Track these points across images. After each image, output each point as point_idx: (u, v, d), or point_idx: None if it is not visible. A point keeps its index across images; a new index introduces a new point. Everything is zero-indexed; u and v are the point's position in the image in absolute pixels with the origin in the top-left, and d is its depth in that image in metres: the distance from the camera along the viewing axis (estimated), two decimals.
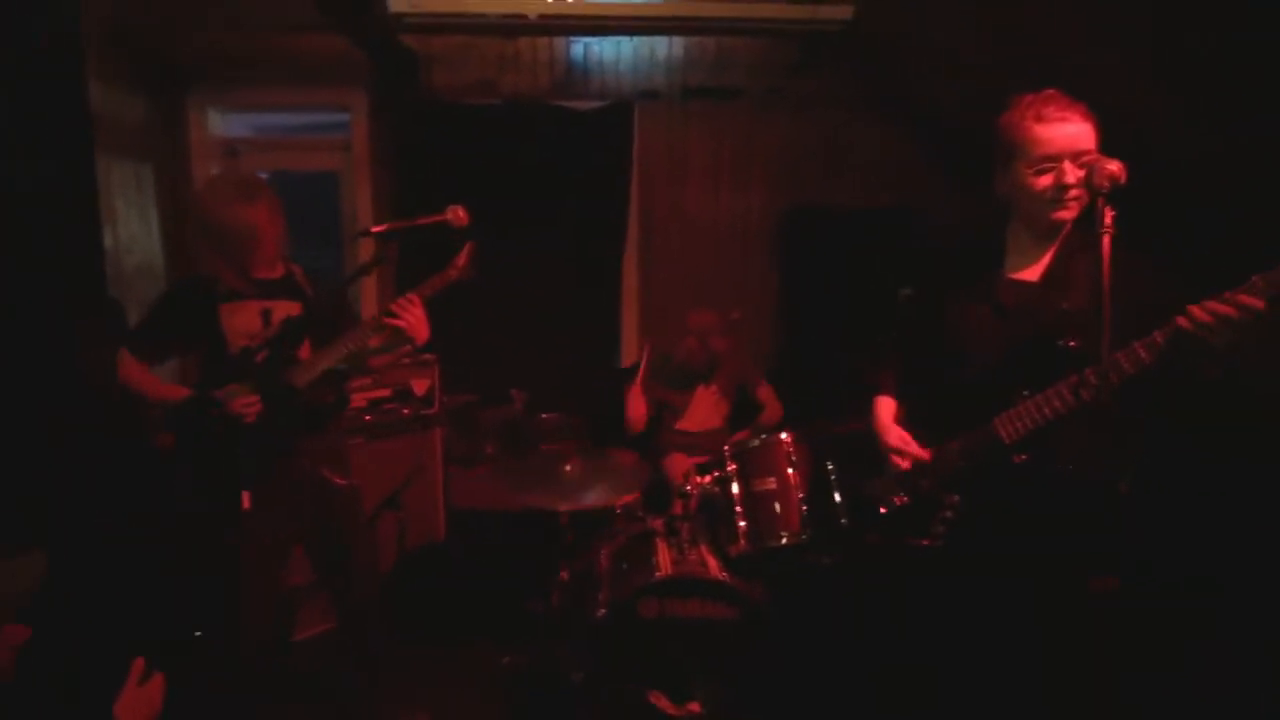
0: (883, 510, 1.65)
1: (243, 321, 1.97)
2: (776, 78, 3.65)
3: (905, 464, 1.61)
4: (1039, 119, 1.42)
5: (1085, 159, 1.37)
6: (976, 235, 1.60)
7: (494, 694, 2.42)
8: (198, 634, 2.35)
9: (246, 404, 1.90)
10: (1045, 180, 1.42)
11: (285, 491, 2.03)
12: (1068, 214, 1.44)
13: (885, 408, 1.71)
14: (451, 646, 2.67)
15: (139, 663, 1.45)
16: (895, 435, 1.65)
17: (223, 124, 3.79)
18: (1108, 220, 1.22)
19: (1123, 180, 1.24)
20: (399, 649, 2.34)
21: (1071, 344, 1.39)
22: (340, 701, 2.28)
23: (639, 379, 3.00)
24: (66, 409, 2.06)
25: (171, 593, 2.36)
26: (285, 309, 2.00)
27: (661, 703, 2.02)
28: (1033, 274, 1.50)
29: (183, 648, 2.29)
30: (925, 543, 1.53)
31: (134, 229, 3.29)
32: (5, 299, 1.92)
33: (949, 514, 1.51)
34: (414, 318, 1.90)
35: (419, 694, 2.34)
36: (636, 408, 2.99)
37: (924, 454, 1.60)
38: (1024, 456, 1.43)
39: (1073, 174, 1.39)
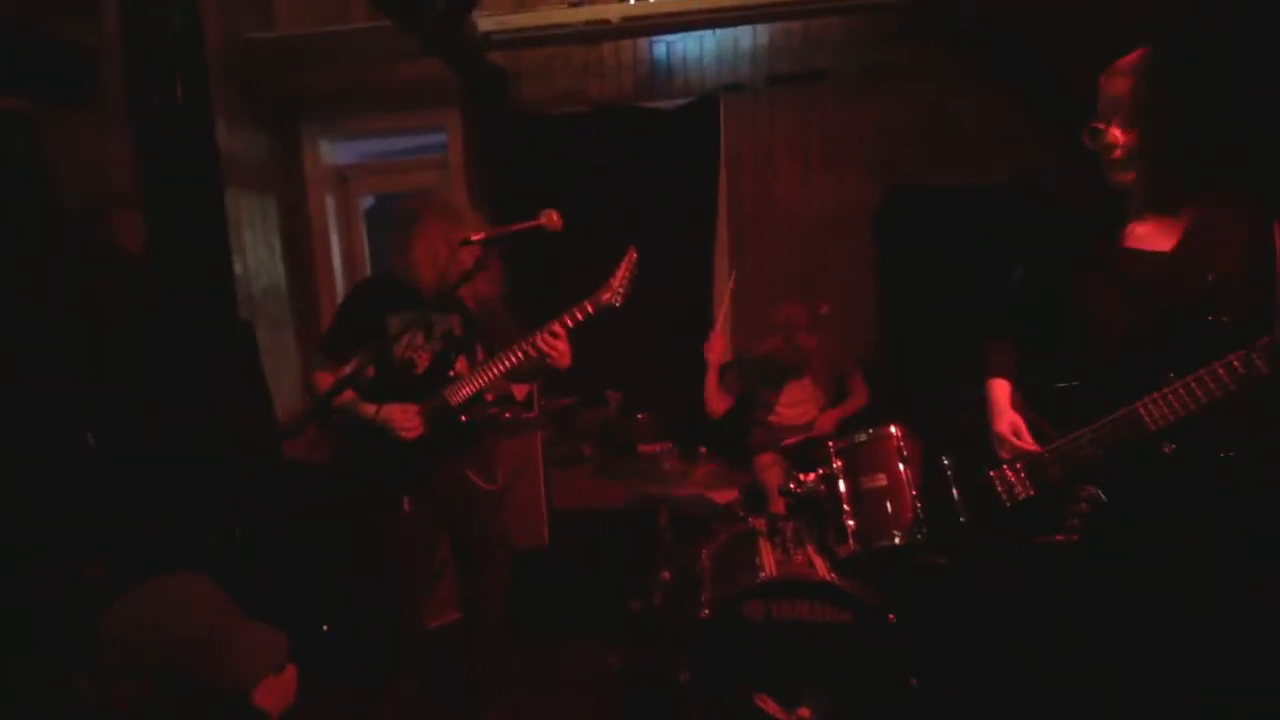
0: (1006, 504, 1.54)
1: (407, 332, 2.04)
2: (868, 55, 3.50)
3: (1006, 454, 1.53)
4: (1104, 76, 1.37)
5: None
6: (1099, 204, 1.49)
7: (599, 693, 2.43)
8: (325, 629, 2.52)
9: (406, 426, 1.98)
10: (1094, 143, 1.37)
11: (436, 495, 2.11)
12: (1123, 176, 1.37)
13: (1000, 390, 1.62)
14: (556, 646, 2.71)
15: None
16: (1008, 421, 1.55)
17: (333, 153, 4.07)
18: None
19: None
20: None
21: (1224, 319, 1.25)
22: (444, 698, 2.36)
23: (712, 369, 2.94)
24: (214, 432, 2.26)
25: (307, 585, 2.53)
26: (447, 323, 2.07)
27: (770, 706, 1.95)
28: (1164, 243, 1.38)
29: (315, 637, 2.45)
30: (1059, 539, 1.42)
31: (260, 256, 3.58)
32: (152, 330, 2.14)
33: (1084, 507, 1.39)
34: (559, 351, 1.94)
35: (523, 692, 2.38)
36: (715, 399, 2.93)
37: (1035, 448, 1.49)
38: (1173, 446, 1.29)
39: (1114, 135, 1.34)
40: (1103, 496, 1.38)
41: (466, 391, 2.01)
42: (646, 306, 3.66)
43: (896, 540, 1.96)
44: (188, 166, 1.71)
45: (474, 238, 1.83)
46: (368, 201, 4.25)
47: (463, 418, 2.02)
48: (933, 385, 3.06)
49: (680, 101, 3.68)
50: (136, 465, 2.34)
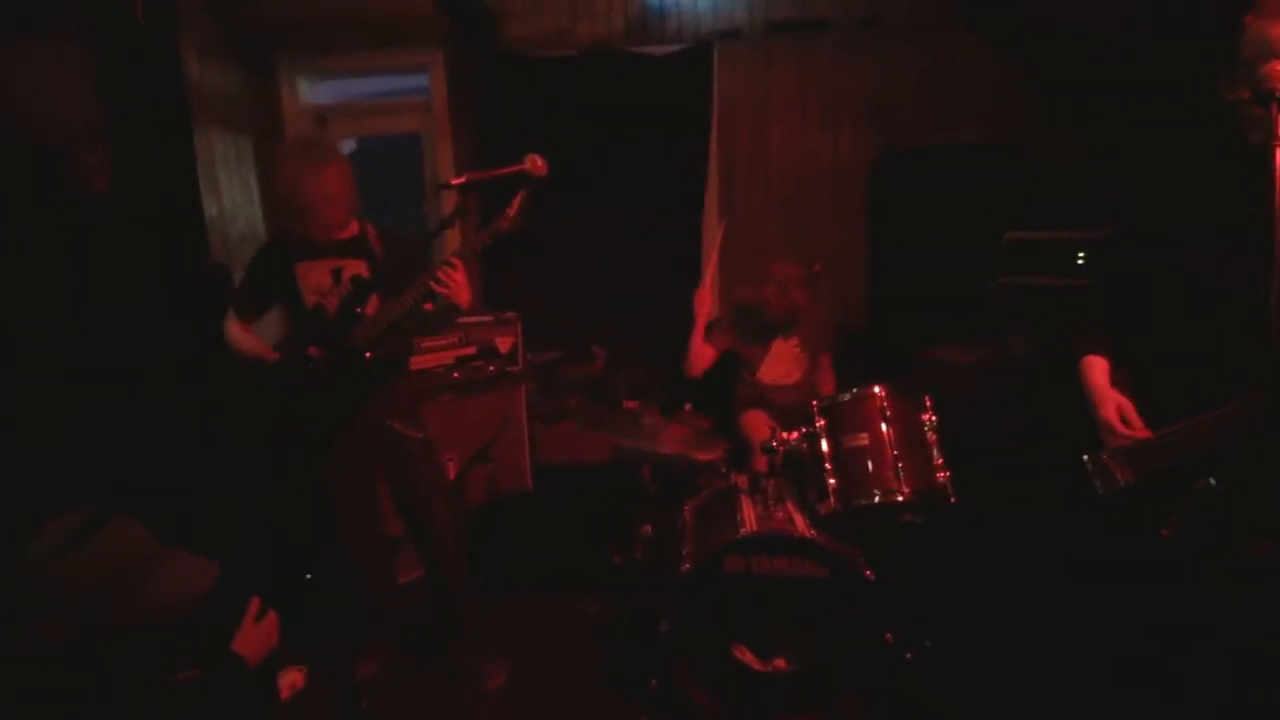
0: (1102, 493, 1.42)
1: (315, 279, 2.06)
2: (868, 5, 3.38)
3: (1124, 441, 1.36)
4: (1253, 15, 1.17)
5: None
6: (1238, 163, 1.29)
7: (579, 643, 2.47)
8: (309, 576, 2.53)
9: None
10: (1232, 93, 1.19)
11: (358, 443, 2.12)
12: (1252, 135, 1.19)
13: (1098, 369, 1.45)
14: (537, 597, 2.74)
15: (255, 601, 1.55)
16: (1114, 404, 1.39)
17: (312, 93, 3.91)
18: None
19: None
20: (485, 599, 2.42)
21: None
22: (426, 647, 2.39)
23: (700, 322, 2.87)
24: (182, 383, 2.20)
25: (282, 535, 2.53)
26: (355, 267, 2.07)
27: (747, 658, 2.00)
28: None
29: (295, 588, 2.46)
30: (1164, 533, 1.30)
31: (236, 198, 3.46)
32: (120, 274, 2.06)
33: (1194, 499, 1.28)
34: (454, 283, 1.91)
35: (504, 643, 2.41)
36: (702, 353, 2.86)
37: (1146, 433, 1.35)
38: None
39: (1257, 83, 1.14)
40: (1217, 487, 1.27)
41: (374, 330, 2.01)
42: (635, 260, 3.67)
43: (876, 499, 1.98)
44: (150, 94, 1.61)
45: (453, 182, 1.78)
46: (348, 145, 4.11)
47: (367, 354, 2.01)
48: (922, 346, 3.08)
49: (673, 48, 3.55)
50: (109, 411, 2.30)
